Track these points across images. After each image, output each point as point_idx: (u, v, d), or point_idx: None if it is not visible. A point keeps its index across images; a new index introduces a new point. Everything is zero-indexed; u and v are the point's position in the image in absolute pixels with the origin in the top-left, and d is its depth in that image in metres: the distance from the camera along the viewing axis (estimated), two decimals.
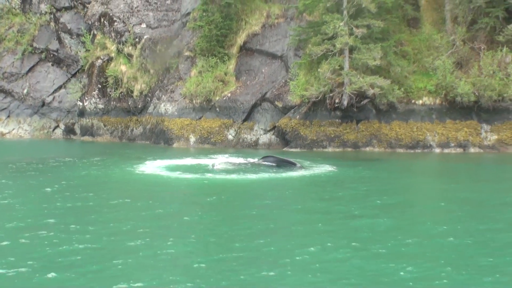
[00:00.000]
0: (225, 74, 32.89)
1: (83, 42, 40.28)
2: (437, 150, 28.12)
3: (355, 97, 27.80)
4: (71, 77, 42.10)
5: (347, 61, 27.80)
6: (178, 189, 16.35)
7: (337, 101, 28.29)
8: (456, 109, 28.58)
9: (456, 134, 28.31)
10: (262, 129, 31.66)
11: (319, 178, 18.38)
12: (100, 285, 7.69)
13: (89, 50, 39.31)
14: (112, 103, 38.11)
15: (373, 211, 12.63)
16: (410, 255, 9.09)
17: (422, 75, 29.69)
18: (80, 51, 41.01)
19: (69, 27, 41.89)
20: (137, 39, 37.37)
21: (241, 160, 22.89)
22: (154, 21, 37.73)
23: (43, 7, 43.13)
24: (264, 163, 21.85)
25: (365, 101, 28.33)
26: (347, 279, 7.93)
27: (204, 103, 32.70)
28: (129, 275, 8.07)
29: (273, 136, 31.29)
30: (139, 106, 37.09)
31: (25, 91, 42.28)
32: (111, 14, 38.46)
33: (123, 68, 37.38)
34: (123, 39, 37.86)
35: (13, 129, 41.87)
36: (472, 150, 27.87)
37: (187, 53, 34.63)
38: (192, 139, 32.24)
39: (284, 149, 29.65)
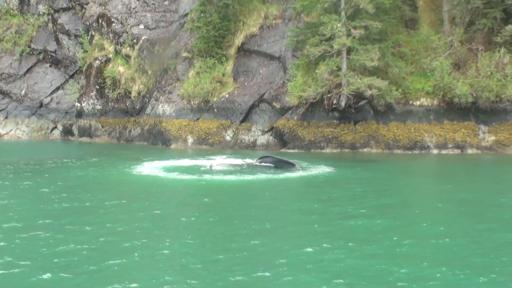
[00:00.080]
0: (223, 75, 32.92)
1: (81, 43, 40.31)
2: (435, 151, 28.13)
3: (353, 98, 27.81)
4: (69, 78, 42.11)
5: (344, 62, 27.81)
6: (175, 190, 16.35)
7: (335, 102, 28.31)
8: (454, 110, 28.62)
9: (453, 135, 28.33)
10: (260, 130, 31.67)
11: (316, 179, 18.40)
12: (96, 286, 7.70)
13: (87, 51, 39.31)
14: (110, 104, 38.11)
15: (370, 212, 12.64)
16: (406, 256, 9.10)
17: (420, 76, 29.71)
18: (78, 52, 41.01)
19: (67, 28, 41.88)
20: (135, 40, 37.37)
21: (239, 161, 22.90)
22: (152, 22, 37.73)
23: (41, 8, 43.13)
24: (262, 164, 21.85)
25: (363, 102, 28.35)
26: (343, 279, 7.94)
27: (202, 104, 32.71)
28: (125, 275, 8.07)
29: (271, 137, 31.29)
30: (137, 107, 37.09)
31: (23, 92, 42.26)
32: (109, 15, 38.46)
33: (121, 69, 37.38)
34: (121, 40, 37.85)
35: (11, 130, 41.85)
36: (469, 151, 27.89)
37: (185, 54, 34.64)
38: (190, 140, 32.23)
39: (282, 150, 29.65)
